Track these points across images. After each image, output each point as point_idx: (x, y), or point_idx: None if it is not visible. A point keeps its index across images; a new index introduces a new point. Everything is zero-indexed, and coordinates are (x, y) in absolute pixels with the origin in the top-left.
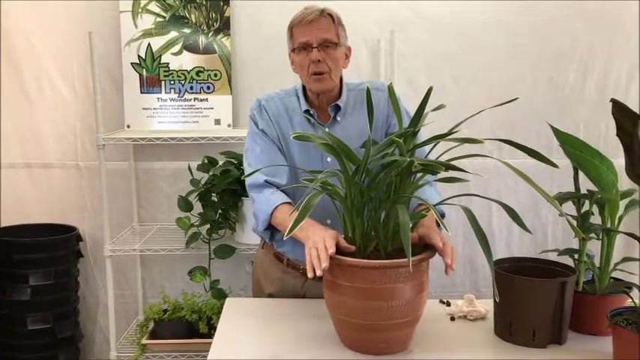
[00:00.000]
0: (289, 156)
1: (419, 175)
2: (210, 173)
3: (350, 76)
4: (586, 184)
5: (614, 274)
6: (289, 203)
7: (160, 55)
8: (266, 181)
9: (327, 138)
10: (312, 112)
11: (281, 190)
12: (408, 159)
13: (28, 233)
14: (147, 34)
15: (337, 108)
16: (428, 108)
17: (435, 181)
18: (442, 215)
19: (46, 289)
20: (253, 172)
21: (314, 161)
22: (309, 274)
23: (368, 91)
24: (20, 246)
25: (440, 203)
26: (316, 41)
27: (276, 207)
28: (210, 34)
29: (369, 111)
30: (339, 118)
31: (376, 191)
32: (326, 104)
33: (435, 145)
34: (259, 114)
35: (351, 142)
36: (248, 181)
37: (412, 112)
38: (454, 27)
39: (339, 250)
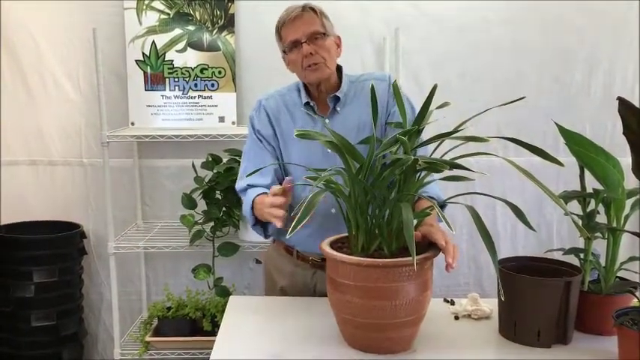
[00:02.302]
0: (288, 152)
1: (423, 173)
2: (214, 171)
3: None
4: (592, 183)
5: (619, 274)
6: (265, 193)
7: (165, 53)
8: (248, 185)
9: (330, 134)
10: (312, 104)
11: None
12: (413, 157)
13: (32, 230)
14: (151, 31)
15: (336, 99)
16: (432, 106)
17: (440, 179)
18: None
19: (50, 286)
20: (250, 178)
21: (315, 155)
22: (274, 222)
23: (372, 88)
24: (24, 243)
25: (445, 201)
26: (304, 36)
27: (253, 201)
28: (214, 32)
29: (374, 110)
30: (338, 109)
31: (380, 189)
32: (326, 95)
33: (440, 144)
34: (257, 115)
35: (351, 133)
36: (236, 187)
37: (416, 107)
38: (459, 25)
39: (343, 250)
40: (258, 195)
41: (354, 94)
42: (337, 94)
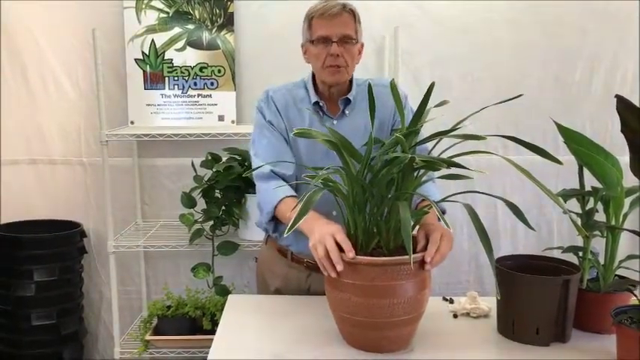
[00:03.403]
0: (296, 148)
1: (421, 171)
2: (214, 170)
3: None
4: (591, 181)
5: (618, 272)
6: (294, 197)
7: (164, 51)
8: (272, 171)
9: (330, 134)
10: (321, 104)
11: (287, 182)
12: (410, 155)
13: (33, 229)
14: (150, 30)
15: (347, 101)
16: (431, 104)
17: (439, 177)
18: (443, 212)
19: (50, 285)
20: (261, 166)
21: (319, 154)
22: (325, 273)
23: (370, 88)
24: (24, 242)
25: (443, 200)
26: (336, 36)
27: (282, 199)
28: (213, 30)
29: (371, 108)
30: (347, 112)
31: (378, 188)
32: (336, 97)
33: (438, 142)
34: (267, 105)
35: (358, 136)
36: (254, 171)
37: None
38: (460, 24)
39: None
40: (286, 197)
41: (362, 98)
42: (349, 96)
